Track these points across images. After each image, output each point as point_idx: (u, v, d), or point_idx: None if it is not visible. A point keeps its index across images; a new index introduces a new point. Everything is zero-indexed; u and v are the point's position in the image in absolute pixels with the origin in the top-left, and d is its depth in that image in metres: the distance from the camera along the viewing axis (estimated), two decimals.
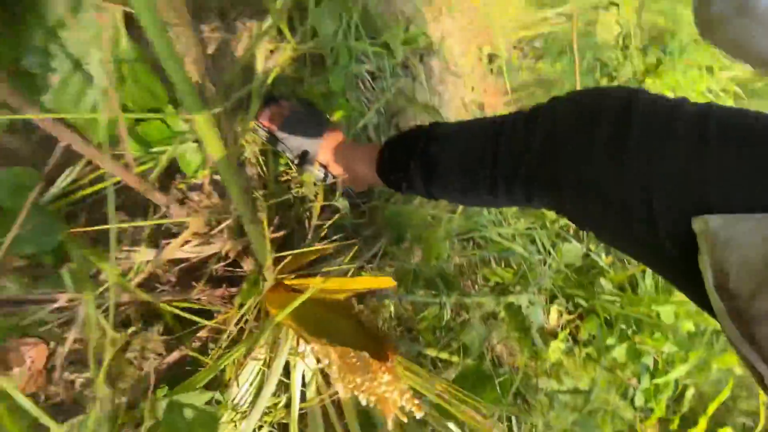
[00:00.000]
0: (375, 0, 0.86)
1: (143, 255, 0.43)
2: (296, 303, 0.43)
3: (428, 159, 0.64)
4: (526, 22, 1.42)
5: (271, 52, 0.76)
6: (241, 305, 0.53)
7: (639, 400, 1.11)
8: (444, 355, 0.77)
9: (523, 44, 1.50)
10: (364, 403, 0.43)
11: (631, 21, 2.15)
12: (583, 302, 1.05)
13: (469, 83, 1.35)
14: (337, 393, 0.52)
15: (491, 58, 1.41)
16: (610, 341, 1.06)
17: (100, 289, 0.40)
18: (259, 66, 0.71)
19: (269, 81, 0.68)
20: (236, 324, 0.51)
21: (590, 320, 1.04)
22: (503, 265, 1.12)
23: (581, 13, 1.54)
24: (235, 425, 0.48)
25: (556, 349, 1.07)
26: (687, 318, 1.07)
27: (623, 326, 1.09)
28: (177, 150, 0.43)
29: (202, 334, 0.52)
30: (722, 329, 0.33)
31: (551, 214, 1.11)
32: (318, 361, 0.52)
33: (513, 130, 0.55)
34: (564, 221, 1.14)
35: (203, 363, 0.48)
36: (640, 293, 1.12)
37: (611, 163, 0.40)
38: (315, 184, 0.79)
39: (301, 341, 0.52)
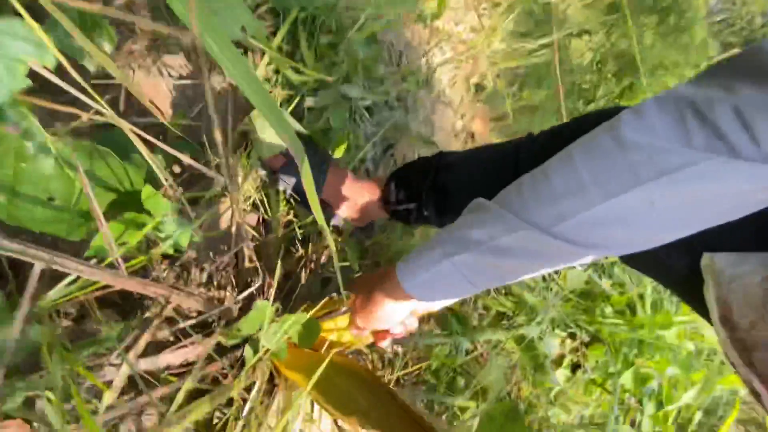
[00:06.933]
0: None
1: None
2: (322, 366, 0.39)
3: (441, 187, 0.64)
4: (509, 53, 1.47)
5: (269, 89, 0.74)
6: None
7: (646, 427, 1.10)
8: (462, 402, 0.73)
9: (508, 73, 1.54)
10: None
11: (602, 47, 2.27)
12: (587, 328, 1.04)
13: (458, 113, 1.36)
14: None
15: (478, 87, 1.44)
16: (616, 367, 1.05)
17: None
18: None
19: None
20: (245, 389, 0.46)
21: (597, 347, 1.03)
22: (504, 294, 1.10)
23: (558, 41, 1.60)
24: None
25: (561, 377, 1.05)
26: (688, 339, 1.08)
27: (626, 350, 1.09)
28: (166, 234, 0.39)
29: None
30: (724, 355, 0.37)
31: None
32: None
33: (533, 143, 0.56)
34: None
35: None
36: (639, 316, 1.13)
37: None
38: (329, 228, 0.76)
39: (317, 406, 0.47)
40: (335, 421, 0.43)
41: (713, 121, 0.26)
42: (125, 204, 0.38)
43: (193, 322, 0.34)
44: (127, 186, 0.39)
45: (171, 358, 0.37)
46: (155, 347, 0.43)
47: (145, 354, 0.40)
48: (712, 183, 0.28)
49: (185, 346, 0.40)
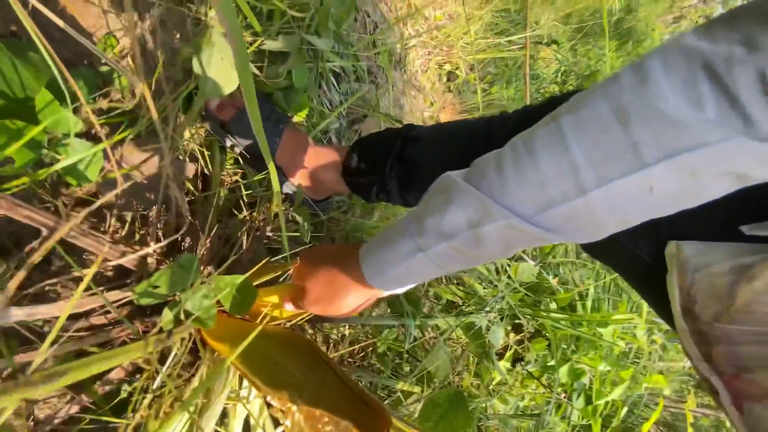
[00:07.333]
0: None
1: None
2: (251, 336, 0.34)
3: (407, 159, 0.60)
4: (482, 46, 1.46)
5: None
6: (169, 333, 0.42)
7: (575, 419, 1.15)
8: (406, 386, 0.70)
9: (480, 67, 1.54)
10: None
11: (568, 59, 2.36)
12: (532, 322, 1.06)
13: (428, 99, 1.34)
14: None
15: (450, 76, 1.42)
16: (554, 362, 1.08)
17: None
18: None
19: None
20: (161, 361, 0.40)
21: (540, 341, 1.05)
22: (456, 284, 1.10)
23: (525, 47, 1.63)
24: None
25: (503, 368, 1.07)
26: (620, 338, 1.14)
27: (564, 346, 1.13)
28: (66, 156, 0.31)
29: (114, 375, 0.40)
30: (682, 346, 0.36)
31: None
32: (276, 423, 0.42)
33: (506, 120, 0.54)
34: None
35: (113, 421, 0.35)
36: (580, 314, 1.17)
37: None
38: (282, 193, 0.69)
39: (247, 383, 0.41)
40: (265, 399, 0.38)
41: (728, 86, 0.22)
42: (15, 114, 0.30)
43: (92, 269, 0.27)
44: (20, 93, 0.30)
45: (54, 309, 0.30)
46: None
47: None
48: (722, 165, 0.24)
49: (78, 298, 0.33)
